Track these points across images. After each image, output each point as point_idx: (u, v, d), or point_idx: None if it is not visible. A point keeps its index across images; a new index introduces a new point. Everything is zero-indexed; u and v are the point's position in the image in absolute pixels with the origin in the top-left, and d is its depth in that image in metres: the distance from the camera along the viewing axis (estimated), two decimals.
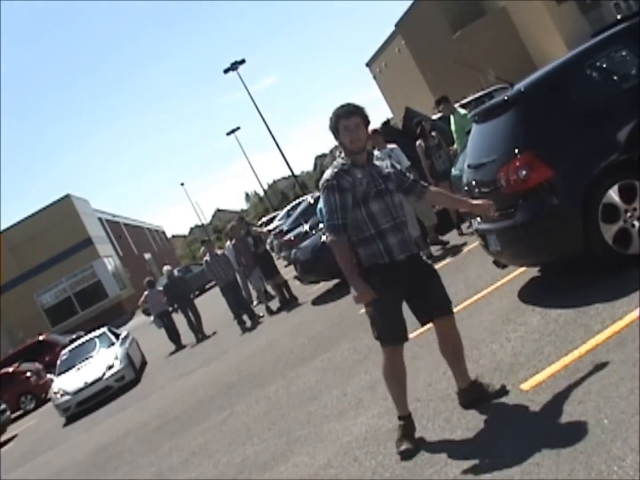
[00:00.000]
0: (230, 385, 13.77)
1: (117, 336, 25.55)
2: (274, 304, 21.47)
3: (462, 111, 15.99)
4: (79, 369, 23.64)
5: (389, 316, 6.50)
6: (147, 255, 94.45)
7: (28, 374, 32.94)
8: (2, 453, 23.04)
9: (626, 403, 5.29)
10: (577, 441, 5.13)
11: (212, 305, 27.49)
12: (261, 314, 21.11)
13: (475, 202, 6.91)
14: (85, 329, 40.02)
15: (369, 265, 6.51)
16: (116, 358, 22.71)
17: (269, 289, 22.23)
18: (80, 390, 22.05)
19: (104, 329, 26.76)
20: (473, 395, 6.67)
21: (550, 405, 5.91)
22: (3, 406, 28.22)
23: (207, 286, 50.29)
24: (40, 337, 40.35)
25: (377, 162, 6.66)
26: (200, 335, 24.49)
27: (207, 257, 22.01)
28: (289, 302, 20.16)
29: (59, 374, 24.45)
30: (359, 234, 6.48)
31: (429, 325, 10.02)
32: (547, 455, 5.17)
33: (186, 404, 14.36)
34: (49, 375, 30.60)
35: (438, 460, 6.03)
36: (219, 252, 22.43)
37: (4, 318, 61.04)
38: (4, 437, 26.49)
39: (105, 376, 22.16)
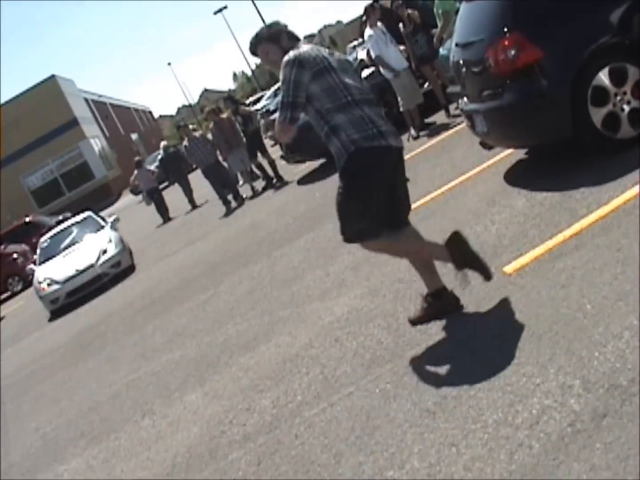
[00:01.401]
0: (214, 265, 13.79)
1: (104, 220, 23.22)
2: (259, 185, 21.40)
3: None
4: (65, 255, 20.95)
5: None
6: (134, 136, 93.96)
7: (15, 255, 32.69)
8: None
9: (609, 288, 5.22)
10: (559, 326, 5.08)
11: (196, 185, 27.41)
12: (245, 196, 20.99)
13: None
14: (72, 211, 39.83)
15: None
16: (110, 242, 20.10)
17: (254, 168, 22.01)
18: (71, 278, 19.33)
19: (88, 213, 24.03)
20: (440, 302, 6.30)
21: (533, 289, 5.85)
22: None
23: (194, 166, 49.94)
24: (27, 219, 40.08)
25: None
26: (192, 206, 26.13)
27: (185, 142, 21.69)
28: (277, 181, 20.08)
29: (41, 263, 21.65)
30: None
31: (413, 206, 10.05)
32: (529, 339, 5.13)
33: (170, 284, 14.39)
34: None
35: (419, 341, 6.01)
36: (196, 134, 21.90)
37: None
38: None
39: (100, 262, 19.38)
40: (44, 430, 9.47)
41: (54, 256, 21.41)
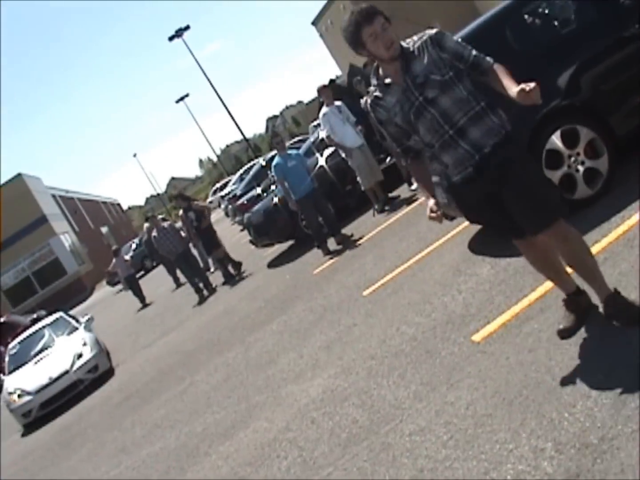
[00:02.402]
0: (189, 354, 13.75)
1: (76, 320, 21.40)
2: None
3: None
4: (37, 362, 18.94)
5: (486, 224, 6.00)
6: (104, 229, 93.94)
7: None
8: None
9: (576, 349, 5.30)
10: (529, 390, 5.14)
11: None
12: (215, 285, 20.84)
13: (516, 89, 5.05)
14: (46, 308, 39.61)
15: (440, 185, 5.79)
16: (85, 345, 18.27)
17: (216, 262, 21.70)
18: (44, 387, 17.36)
19: (60, 314, 22.26)
20: (610, 310, 5.49)
21: (502, 355, 5.90)
22: None
23: None
24: (1, 319, 39.74)
25: (414, 64, 5.28)
26: (176, 284, 27.23)
27: (154, 233, 21.06)
28: (233, 277, 19.97)
29: (11, 372, 19.43)
30: (426, 152, 5.58)
31: (382, 281, 10.13)
32: (500, 405, 5.18)
33: (147, 376, 14.34)
34: None
35: (393, 417, 6.03)
36: (165, 224, 21.28)
37: None
38: None
39: (75, 367, 17.50)
40: None
41: (24, 363, 19.43)
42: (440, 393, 5.92)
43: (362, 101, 16.15)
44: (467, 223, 10.07)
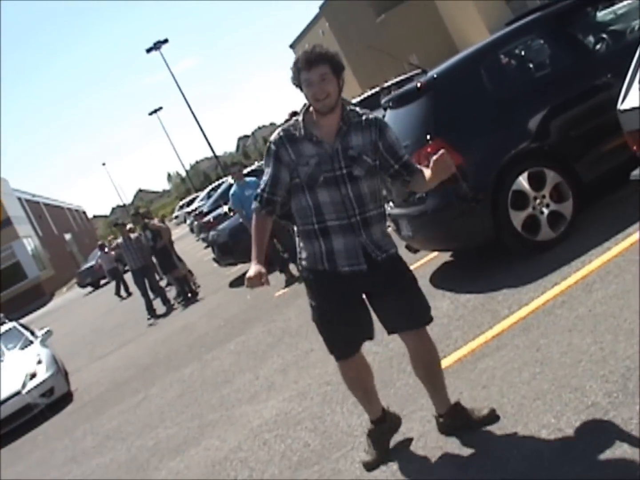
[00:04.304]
0: (145, 368, 13.74)
1: (32, 333, 17.87)
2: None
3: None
4: None
5: (328, 330, 5.42)
6: (68, 236, 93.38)
7: None
8: None
9: (528, 388, 5.39)
10: (480, 426, 5.22)
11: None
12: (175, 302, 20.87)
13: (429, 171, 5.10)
14: (4, 311, 39.33)
15: (307, 267, 5.36)
16: (40, 363, 15.04)
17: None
18: None
19: (13, 324, 18.40)
20: (454, 422, 5.43)
21: (455, 389, 5.93)
22: None
23: None
24: None
25: (353, 136, 5.09)
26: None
27: (119, 240, 21.13)
28: (189, 297, 20.04)
29: None
30: (302, 223, 5.25)
31: None
32: (450, 440, 5.25)
33: (102, 387, 14.27)
34: None
35: (345, 444, 6.08)
36: (132, 235, 20.55)
37: None
38: None
39: (27, 388, 14.29)
40: None
41: None
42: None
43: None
44: (430, 256, 10.20)
